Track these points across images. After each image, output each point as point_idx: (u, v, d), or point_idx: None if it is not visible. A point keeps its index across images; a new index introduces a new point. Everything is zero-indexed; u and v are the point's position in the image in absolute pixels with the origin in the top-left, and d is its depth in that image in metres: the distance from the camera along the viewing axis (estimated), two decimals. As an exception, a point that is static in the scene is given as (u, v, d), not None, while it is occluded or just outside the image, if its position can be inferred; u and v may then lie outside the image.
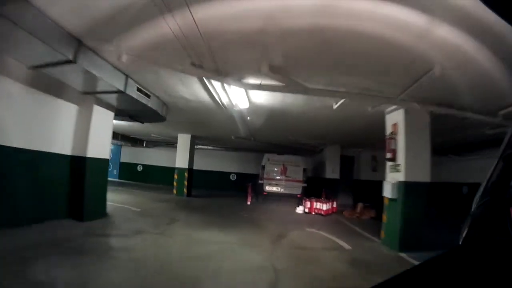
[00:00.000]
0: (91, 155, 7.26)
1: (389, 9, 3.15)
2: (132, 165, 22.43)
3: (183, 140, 15.37)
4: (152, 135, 17.06)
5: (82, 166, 7.11)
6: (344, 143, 14.60)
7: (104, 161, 7.83)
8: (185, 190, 14.81)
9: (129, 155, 22.59)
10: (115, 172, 22.52)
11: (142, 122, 9.91)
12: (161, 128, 14.36)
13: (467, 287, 0.80)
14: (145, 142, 21.02)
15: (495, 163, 1.40)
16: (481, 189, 1.40)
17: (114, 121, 8.42)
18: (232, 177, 21.89)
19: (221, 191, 19.11)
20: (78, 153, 7.21)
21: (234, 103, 7.57)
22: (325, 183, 15.41)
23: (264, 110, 8.47)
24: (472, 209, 1.37)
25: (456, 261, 0.91)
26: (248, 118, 9.49)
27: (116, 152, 22.65)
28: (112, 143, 21.74)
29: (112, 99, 7.21)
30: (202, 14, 3.55)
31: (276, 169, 15.27)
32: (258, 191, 15.39)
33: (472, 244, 1.14)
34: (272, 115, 8.97)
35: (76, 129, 7.32)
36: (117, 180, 21.65)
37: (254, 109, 8.27)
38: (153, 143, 21.12)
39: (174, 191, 14.95)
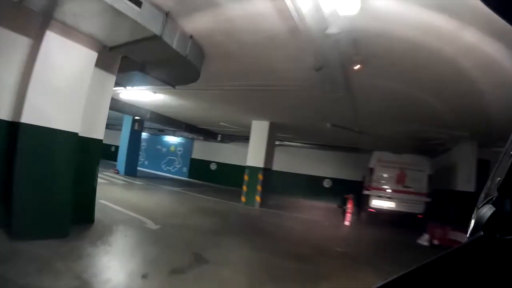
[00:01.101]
0: (34, 122, 3.79)
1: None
2: (204, 162, 19.47)
3: (258, 129, 11.44)
4: (221, 123, 13.69)
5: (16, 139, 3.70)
6: (486, 136, 8.87)
7: (78, 140, 4.33)
8: (257, 198, 10.87)
9: (201, 151, 19.70)
10: (184, 169, 19.98)
11: (173, 86, 6.35)
12: (227, 111, 10.82)
13: (473, 286, 0.77)
14: (219, 136, 17.98)
15: (500, 159, 1.18)
16: (487, 185, 1.23)
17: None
18: (326, 184, 17.02)
19: (310, 201, 14.76)
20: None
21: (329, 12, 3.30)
22: (454, 198, 9.97)
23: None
24: (478, 206, 1.19)
25: (462, 260, 0.85)
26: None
27: (186, 146, 20.08)
28: (182, 136, 19.47)
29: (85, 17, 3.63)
30: None
31: (389, 175, 10.35)
32: (362, 205, 10.70)
33: (478, 243, 0.91)
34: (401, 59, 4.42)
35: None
36: (186, 179, 18.98)
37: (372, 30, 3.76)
38: (229, 137, 17.89)
39: (243, 198, 11.12)
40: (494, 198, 1.04)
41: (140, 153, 21.36)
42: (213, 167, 19.28)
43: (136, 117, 14.22)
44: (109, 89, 5.25)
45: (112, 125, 15.94)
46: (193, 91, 8.02)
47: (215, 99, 9.21)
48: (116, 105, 11.05)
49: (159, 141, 21.17)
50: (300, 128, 12.18)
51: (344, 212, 9.99)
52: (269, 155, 11.47)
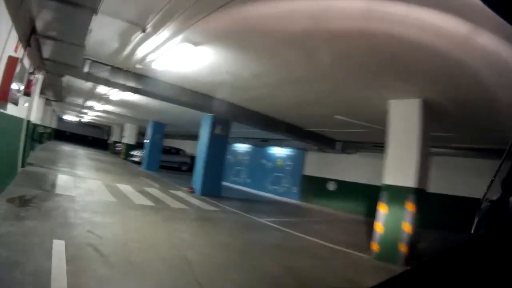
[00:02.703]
0: None
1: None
2: (320, 180, 14.57)
3: (401, 116, 6.11)
4: (335, 116, 8.68)
5: None
6: None
7: None
8: (402, 248, 5.48)
9: (316, 165, 14.94)
10: (294, 190, 15.47)
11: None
12: (338, 84, 6.03)
13: (475, 284, 0.77)
14: (338, 144, 12.95)
15: (502, 157, 1.32)
16: (490, 184, 1.41)
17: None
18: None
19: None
20: None
21: None
22: None
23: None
24: (481, 206, 1.33)
25: (464, 258, 0.88)
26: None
27: (297, 160, 15.68)
28: (291, 146, 15.06)
29: None
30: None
31: None
32: None
33: (481, 241, 0.99)
34: None
35: None
36: (295, 202, 14.45)
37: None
38: (353, 146, 12.65)
39: (374, 245, 5.85)
40: (496, 198, 1.06)
41: (241, 168, 18.46)
42: (331, 186, 14.18)
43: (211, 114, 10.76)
44: None
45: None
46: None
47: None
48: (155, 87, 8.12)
49: (263, 154, 17.48)
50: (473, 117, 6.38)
51: None
52: (424, 165, 5.97)
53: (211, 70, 6.53)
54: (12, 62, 4.10)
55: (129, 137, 23.34)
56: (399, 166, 5.95)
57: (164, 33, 4.86)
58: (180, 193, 10.21)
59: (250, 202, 11.73)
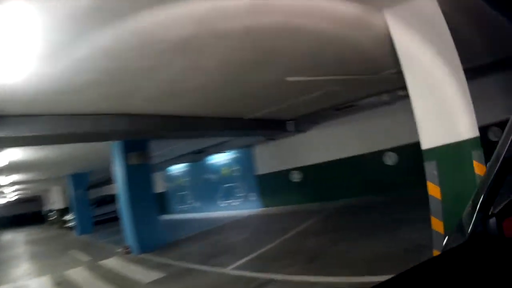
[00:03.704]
0: None
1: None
2: (280, 175, 11.82)
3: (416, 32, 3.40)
4: (287, 78, 5.85)
5: None
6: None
7: None
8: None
9: (270, 159, 12.12)
10: (252, 197, 12.47)
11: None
12: None
13: (475, 284, 0.79)
14: (290, 123, 10.24)
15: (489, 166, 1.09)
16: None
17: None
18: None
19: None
20: None
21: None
22: None
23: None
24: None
25: (464, 257, 0.92)
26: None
27: (244, 161, 12.78)
28: (233, 147, 11.66)
29: None
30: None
31: None
32: None
33: (480, 239, 0.98)
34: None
35: None
36: (257, 212, 11.47)
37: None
38: (309, 120, 10.03)
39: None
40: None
41: (185, 193, 15.51)
42: (294, 176, 11.53)
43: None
44: None
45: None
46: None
47: None
48: None
49: (204, 168, 14.34)
50: None
51: None
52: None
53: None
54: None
55: (58, 202, 20.06)
56: (440, 110, 3.32)
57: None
58: (113, 263, 7.31)
59: (205, 238, 8.49)
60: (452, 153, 3.16)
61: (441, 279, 0.82)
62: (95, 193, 17.82)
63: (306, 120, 10.01)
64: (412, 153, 8.33)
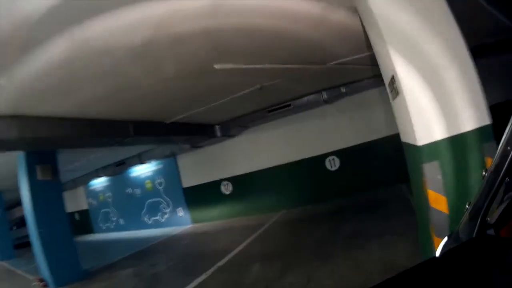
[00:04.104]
0: None
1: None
2: (208, 186, 10.54)
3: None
4: (215, 66, 4.65)
5: None
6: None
7: None
8: None
9: (196, 170, 10.71)
10: (180, 212, 11.03)
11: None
12: None
13: (476, 284, 0.77)
14: (217, 128, 9.02)
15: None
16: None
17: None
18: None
19: None
20: None
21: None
22: None
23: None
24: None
25: (465, 256, 0.89)
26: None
27: (168, 172, 11.21)
28: (153, 157, 10.07)
29: None
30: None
31: None
32: None
33: (481, 240, 0.94)
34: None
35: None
36: (187, 228, 10.04)
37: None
38: (239, 123, 8.95)
39: None
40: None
41: (108, 210, 13.52)
42: (226, 189, 10.31)
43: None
44: None
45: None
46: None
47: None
48: None
49: (126, 182, 12.45)
50: None
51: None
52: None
53: None
54: None
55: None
56: (442, 93, 2.47)
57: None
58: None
59: (130, 265, 6.90)
60: (461, 148, 2.30)
61: (440, 279, 0.80)
62: (16, 213, 15.40)
63: (234, 124, 8.93)
64: (356, 155, 8.10)
